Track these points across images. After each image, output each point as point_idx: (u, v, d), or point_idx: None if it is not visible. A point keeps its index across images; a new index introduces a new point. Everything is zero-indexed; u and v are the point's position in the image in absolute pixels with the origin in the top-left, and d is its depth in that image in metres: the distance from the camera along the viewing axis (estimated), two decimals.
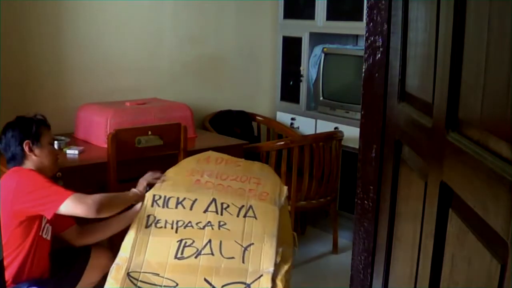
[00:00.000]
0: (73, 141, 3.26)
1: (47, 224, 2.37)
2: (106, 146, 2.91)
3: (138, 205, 2.41)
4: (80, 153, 3.04)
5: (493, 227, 0.84)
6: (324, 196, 3.64)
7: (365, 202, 1.66)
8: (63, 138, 3.18)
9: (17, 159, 2.35)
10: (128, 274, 2.11)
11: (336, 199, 3.81)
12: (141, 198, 2.39)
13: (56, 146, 3.05)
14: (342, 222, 3.86)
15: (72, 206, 2.18)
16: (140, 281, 2.11)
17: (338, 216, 3.83)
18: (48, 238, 2.39)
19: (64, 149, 3.06)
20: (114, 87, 3.70)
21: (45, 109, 3.39)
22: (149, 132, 2.96)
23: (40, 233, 2.32)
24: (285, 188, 2.56)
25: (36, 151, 2.36)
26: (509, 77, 0.79)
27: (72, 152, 3.03)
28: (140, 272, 2.13)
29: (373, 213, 1.63)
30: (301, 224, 4.07)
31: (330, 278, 3.42)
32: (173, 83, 4.00)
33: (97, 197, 2.22)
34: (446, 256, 1.06)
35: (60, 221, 2.43)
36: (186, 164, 2.61)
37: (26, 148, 2.33)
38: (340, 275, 3.27)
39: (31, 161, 2.36)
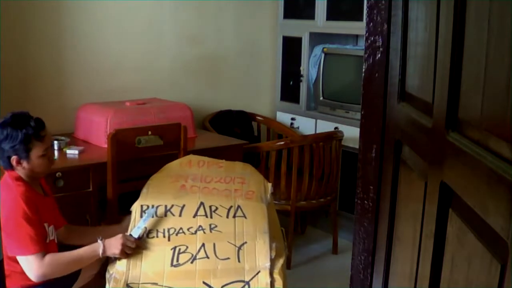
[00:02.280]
0: (73, 141, 3.26)
1: (50, 226, 2.33)
2: (106, 146, 2.91)
3: (126, 221, 2.41)
4: (80, 153, 3.04)
5: (493, 227, 0.84)
6: (324, 196, 3.64)
7: (365, 202, 1.66)
8: (63, 138, 3.18)
9: (8, 167, 2.28)
10: (127, 285, 2.13)
11: (336, 199, 3.81)
12: (97, 257, 2.28)
13: (56, 146, 3.06)
14: (342, 222, 3.86)
15: (27, 266, 2.16)
16: None
17: (338, 216, 3.83)
18: (55, 240, 2.37)
19: (64, 149, 3.06)
20: (114, 87, 3.70)
21: (45, 109, 3.40)
22: (149, 132, 2.96)
23: (47, 239, 2.28)
24: (269, 185, 2.58)
25: (25, 163, 2.25)
26: (509, 77, 0.79)
27: (72, 152, 3.03)
28: (139, 283, 2.14)
29: (373, 213, 1.63)
30: (301, 224, 4.07)
31: (330, 278, 3.42)
32: (173, 83, 4.00)
33: (47, 270, 2.16)
34: (446, 256, 1.06)
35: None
36: (169, 170, 2.61)
37: (13, 163, 2.23)
38: (340, 275, 3.27)
39: (22, 169, 2.27)
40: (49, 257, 2.18)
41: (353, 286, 1.77)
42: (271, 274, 2.19)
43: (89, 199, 2.90)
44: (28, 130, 2.21)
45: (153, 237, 2.30)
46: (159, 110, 3.37)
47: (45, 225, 2.29)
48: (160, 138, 2.99)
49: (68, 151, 3.04)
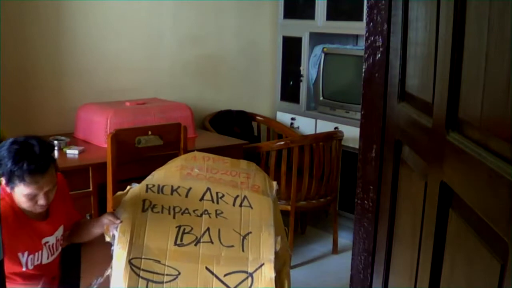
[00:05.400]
0: (73, 141, 3.26)
1: (31, 255, 2.10)
2: (106, 146, 2.91)
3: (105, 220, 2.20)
4: (80, 153, 3.04)
5: (493, 227, 0.84)
6: (324, 196, 3.64)
7: (365, 202, 1.66)
8: (63, 138, 3.18)
9: None
10: (129, 262, 2.07)
11: (336, 199, 3.81)
12: None
13: (56, 146, 3.06)
14: (342, 222, 3.87)
15: None
16: (142, 269, 2.05)
17: (338, 216, 3.83)
18: (40, 262, 2.14)
19: (64, 149, 3.06)
20: (114, 87, 3.70)
21: (45, 109, 3.41)
22: (149, 132, 2.97)
23: (23, 268, 2.09)
24: (274, 183, 2.57)
25: (8, 190, 2.01)
26: (509, 77, 0.79)
27: (72, 152, 3.03)
28: (141, 259, 2.08)
29: (373, 213, 1.63)
30: (301, 224, 4.07)
31: (330, 278, 3.42)
32: (173, 83, 4.00)
33: None
34: (446, 256, 1.06)
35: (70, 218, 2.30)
36: (174, 163, 2.60)
37: (2, 182, 2.00)
38: (340, 275, 3.27)
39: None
40: None
41: (353, 286, 1.77)
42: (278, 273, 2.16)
43: (89, 199, 2.90)
44: (17, 168, 1.92)
45: (158, 212, 2.22)
46: (159, 110, 3.37)
47: (20, 254, 2.07)
48: (160, 138, 2.99)
49: (68, 151, 3.04)
